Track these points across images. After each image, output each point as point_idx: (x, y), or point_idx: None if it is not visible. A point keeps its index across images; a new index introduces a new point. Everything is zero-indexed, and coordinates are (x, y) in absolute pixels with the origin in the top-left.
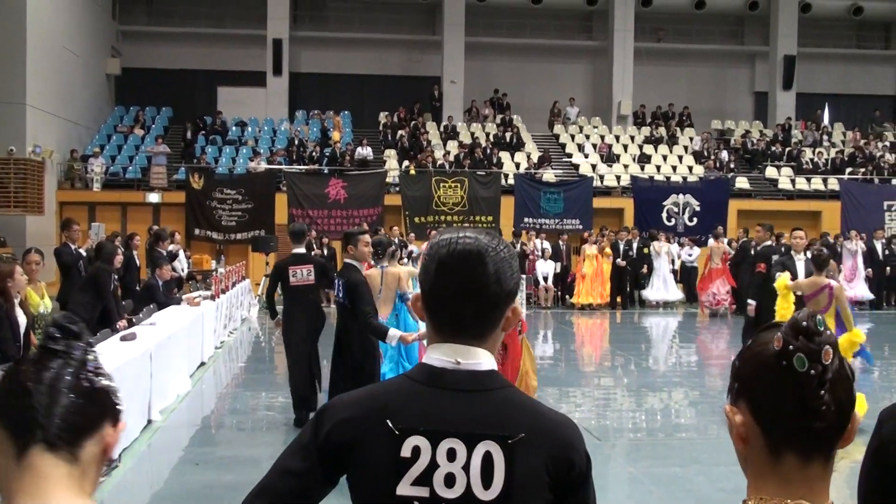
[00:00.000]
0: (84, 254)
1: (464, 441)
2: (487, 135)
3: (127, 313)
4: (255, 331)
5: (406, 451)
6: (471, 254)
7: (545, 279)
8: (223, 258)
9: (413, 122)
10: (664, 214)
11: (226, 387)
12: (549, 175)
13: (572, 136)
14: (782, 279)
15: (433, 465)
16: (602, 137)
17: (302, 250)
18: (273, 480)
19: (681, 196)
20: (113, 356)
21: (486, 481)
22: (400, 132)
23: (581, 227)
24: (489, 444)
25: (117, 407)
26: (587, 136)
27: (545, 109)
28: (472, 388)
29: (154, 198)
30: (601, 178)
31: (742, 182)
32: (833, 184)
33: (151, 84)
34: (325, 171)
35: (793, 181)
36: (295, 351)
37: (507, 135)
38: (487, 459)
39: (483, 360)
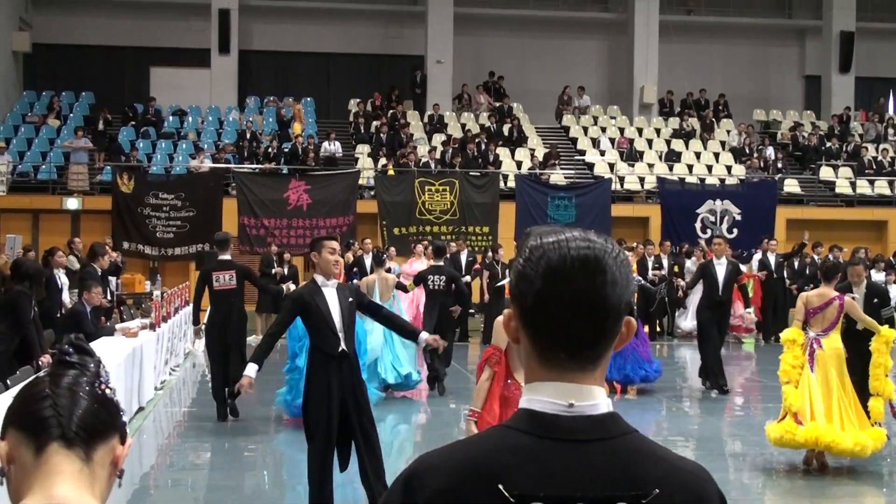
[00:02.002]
0: None
1: None
2: (482, 127)
3: (49, 345)
4: (200, 367)
5: None
6: (588, 259)
7: None
8: (159, 278)
9: (391, 111)
10: (698, 224)
11: (167, 437)
12: (557, 176)
13: (585, 129)
14: (792, 331)
15: None
16: (621, 130)
17: (227, 257)
18: None
19: (718, 202)
20: None
21: None
22: (375, 123)
23: None
24: None
25: (124, 425)
26: (603, 129)
27: (552, 96)
28: (592, 437)
29: (73, 204)
30: (621, 180)
31: (791, 185)
32: None
33: (68, 63)
34: (284, 172)
35: (853, 184)
36: (214, 351)
37: (506, 127)
38: None
39: (599, 399)
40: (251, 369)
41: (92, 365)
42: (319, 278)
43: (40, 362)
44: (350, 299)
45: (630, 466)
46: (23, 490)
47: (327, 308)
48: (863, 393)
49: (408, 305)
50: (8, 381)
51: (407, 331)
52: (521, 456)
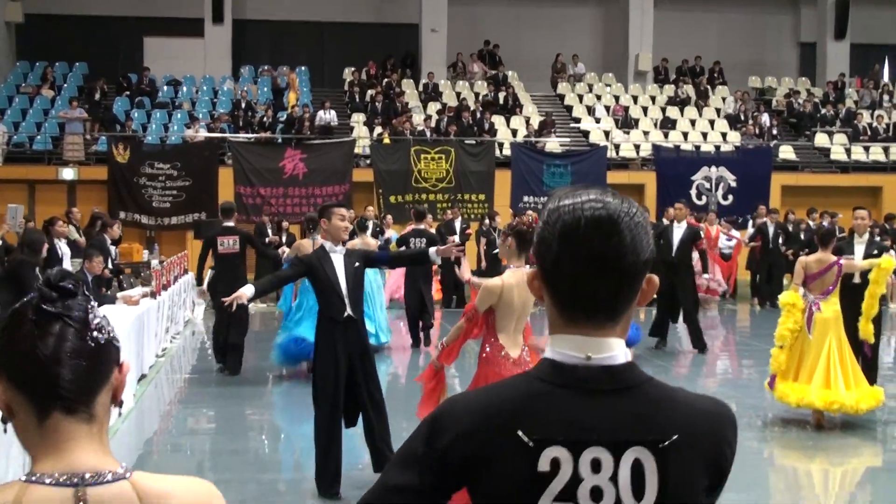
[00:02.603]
0: (0, 243)
1: (609, 449)
2: (477, 95)
3: None
4: (200, 335)
5: (544, 465)
6: (602, 220)
7: None
8: (157, 247)
9: (386, 79)
10: (693, 191)
11: (169, 404)
12: (552, 144)
13: (580, 97)
14: (790, 294)
15: (576, 479)
16: (616, 98)
17: (231, 224)
18: (381, 497)
19: (713, 169)
20: None
21: (638, 492)
22: (370, 92)
23: None
24: (638, 450)
25: (119, 351)
26: (598, 97)
27: (547, 64)
28: (610, 386)
29: (68, 174)
30: (616, 147)
31: (787, 152)
32: None
33: (62, 34)
34: (280, 141)
35: (847, 150)
36: (219, 309)
37: (501, 95)
38: (637, 468)
39: (617, 351)
40: (248, 289)
41: (77, 311)
42: (328, 244)
43: None
44: (357, 264)
45: (648, 413)
46: (32, 452)
47: (334, 273)
48: (858, 351)
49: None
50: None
51: (417, 258)
52: (541, 402)
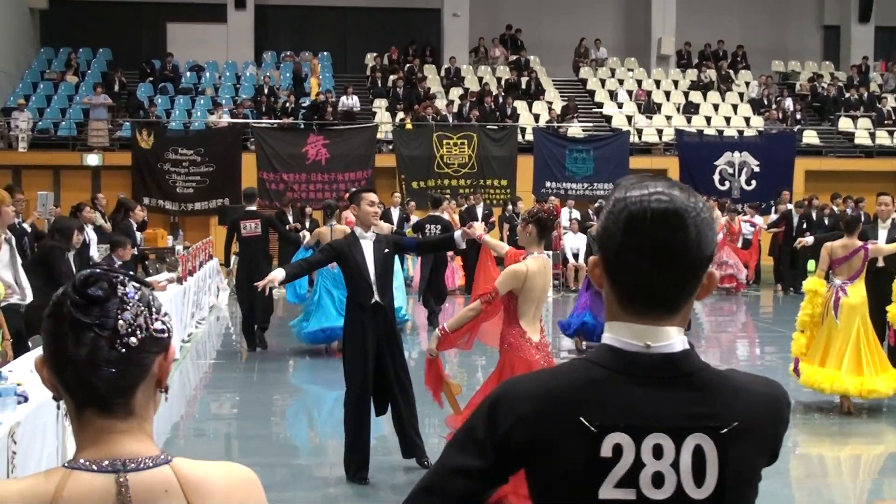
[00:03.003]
0: (29, 229)
1: (670, 436)
2: (499, 80)
3: None
4: (224, 321)
5: (606, 451)
6: (668, 214)
7: (575, 256)
8: (180, 233)
9: (408, 65)
10: (716, 176)
11: (195, 389)
12: (575, 129)
13: (602, 82)
14: (814, 281)
15: (638, 465)
16: (639, 83)
17: (253, 208)
18: (441, 479)
19: (736, 154)
20: None
21: (698, 478)
22: (392, 77)
23: None
24: (699, 436)
25: (162, 340)
26: (621, 82)
27: (569, 49)
28: (669, 374)
29: (93, 160)
30: (639, 132)
31: (810, 136)
32: None
33: (85, 20)
34: (302, 126)
35: (872, 135)
36: (243, 291)
37: (524, 80)
38: (698, 454)
39: (675, 339)
40: (279, 272)
41: (107, 319)
42: (358, 230)
43: None
44: (386, 250)
45: (708, 400)
46: (76, 437)
47: (363, 259)
48: (881, 336)
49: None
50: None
51: (443, 242)
52: (603, 389)
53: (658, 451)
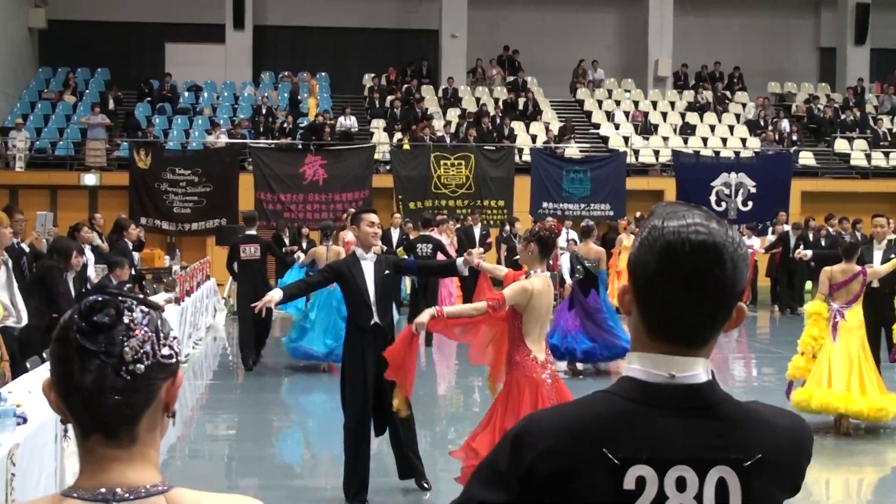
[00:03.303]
0: (27, 249)
1: (694, 468)
2: (496, 101)
3: None
4: (221, 341)
5: (629, 483)
6: (708, 248)
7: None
8: (177, 253)
9: (406, 85)
10: (713, 197)
11: (191, 409)
12: (572, 150)
13: (600, 103)
14: (817, 304)
15: (661, 497)
16: (636, 104)
17: (253, 232)
18: None
19: (733, 175)
20: None
21: None
22: (389, 98)
23: (612, 212)
24: (723, 469)
25: (170, 366)
26: (618, 103)
27: (566, 70)
28: (692, 405)
29: (90, 179)
30: (636, 153)
31: (807, 157)
32: None
33: (84, 40)
34: (300, 147)
35: (868, 156)
36: (242, 312)
37: (521, 101)
38: (722, 487)
39: (700, 370)
40: (276, 293)
41: (113, 346)
42: (359, 250)
43: None
44: (387, 272)
45: (731, 431)
46: (80, 462)
47: (363, 281)
48: (878, 354)
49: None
50: (44, 355)
51: (445, 268)
52: (625, 421)
53: (681, 484)
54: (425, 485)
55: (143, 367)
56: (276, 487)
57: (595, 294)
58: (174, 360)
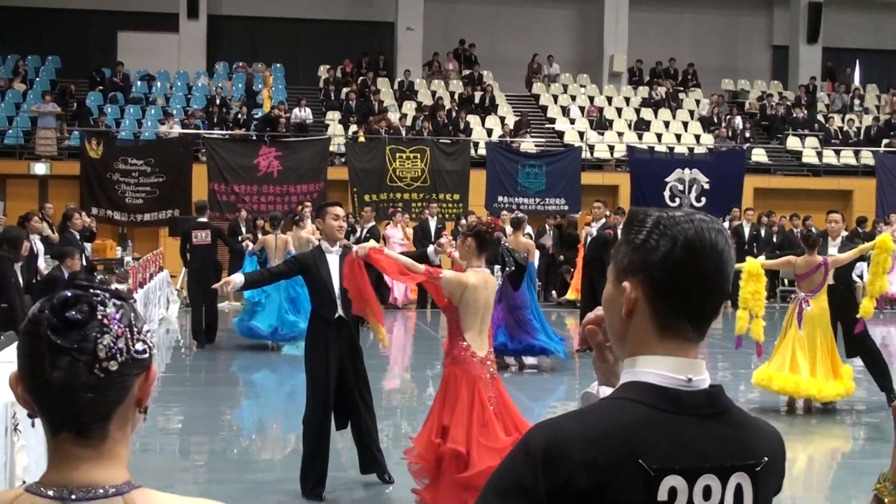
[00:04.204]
0: None
1: (718, 476)
2: (452, 94)
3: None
4: (174, 333)
5: (663, 494)
6: (721, 236)
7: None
8: (130, 244)
9: (361, 77)
10: (667, 193)
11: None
12: (527, 144)
13: (555, 98)
14: (753, 263)
15: None
16: (591, 99)
17: (204, 219)
18: None
19: (687, 171)
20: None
21: None
22: (345, 90)
23: (567, 207)
24: (740, 475)
25: (143, 360)
26: (573, 98)
27: (522, 64)
28: (710, 411)
29: (41, 169)
30: (591, 148)
31: (759, 154)
32: (867, 157)
33: (34, 27)
34: (254, 138)
35: (819, 154)
36: (193, 293)
37: (477, 95)
38: (738, 493)
39: (706, 372)
40: (238, 277)
41: (85, 343)
42: (325, 244)
43: None
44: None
45: (742, 437)
46: (48, 456)
47: (328, 273)
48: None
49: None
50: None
51: (417, 259)
52: (656, 430)
53: (707, 493)
54: (387, 478)
55: (116, 364)
56: (231, 481)
57: (524, 289)
58: (147, 354)
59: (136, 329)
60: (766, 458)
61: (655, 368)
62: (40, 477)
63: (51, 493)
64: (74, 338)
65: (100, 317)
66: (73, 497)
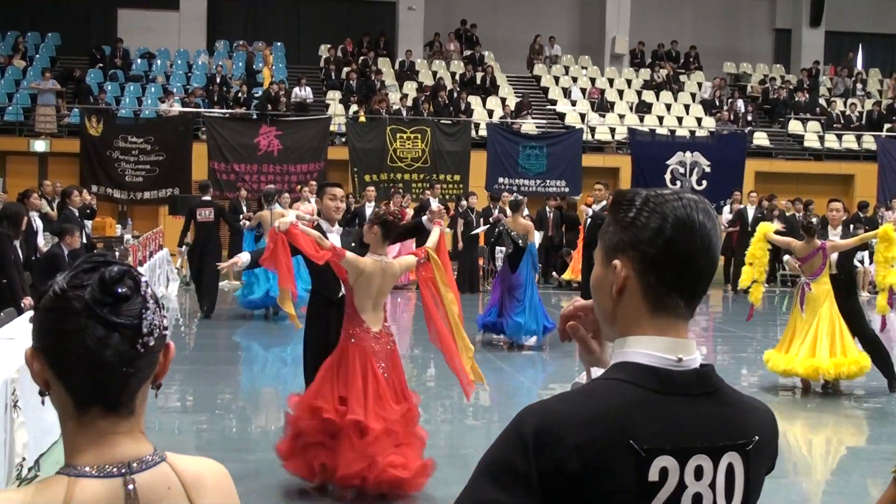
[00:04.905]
0: None
1: (709, 455)
2: (453, 75)
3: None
4: (174, 312)
5: (654, 475)
6: (709, 213)
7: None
8: (129, 222)
9: (362, 57)
10: (668, 176)
11: None
12: (528, 126)
13: (556, 79)
14: (767, 226)
15: (681, 487)
16: (592, 81)
17: (208, 198)
18: None
19: (688, 154)
20: (24, 343)
21: (729, 495)
22: (346, 70)
23: (567, 189)
24: (732, 454)
25: (165, 337)
26: (574, 79)
27: (523, 45)
28: (700, 390)
29: (40, 146)
30: (592, 130)
31: (761, 138)
32: (869, 142)
33: (34, 4)
34: (255, 117)
35: (821, 138)
36: (196, 268)
37: (478, 76)
38: (730, 472)
39: (696, 353)
40: (244, 255)
41: (130, 319)
42: (325, 224)
43: (22, 304)
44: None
45: (733, 417)
46: (70, 439)
47: None
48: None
49: None
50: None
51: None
52: (646, 411)
53: (699, 473)
54: None
55: (153, 339)
56: (233, 460)
57: (523, 268)
58: (168, 330)
59: (160, 305)
60: (756, 437)
61: (646, 349)
62: (74, 458)
63: (107, 470)
64: (123, 313)
65: (142, 292)
66: (132, 472)
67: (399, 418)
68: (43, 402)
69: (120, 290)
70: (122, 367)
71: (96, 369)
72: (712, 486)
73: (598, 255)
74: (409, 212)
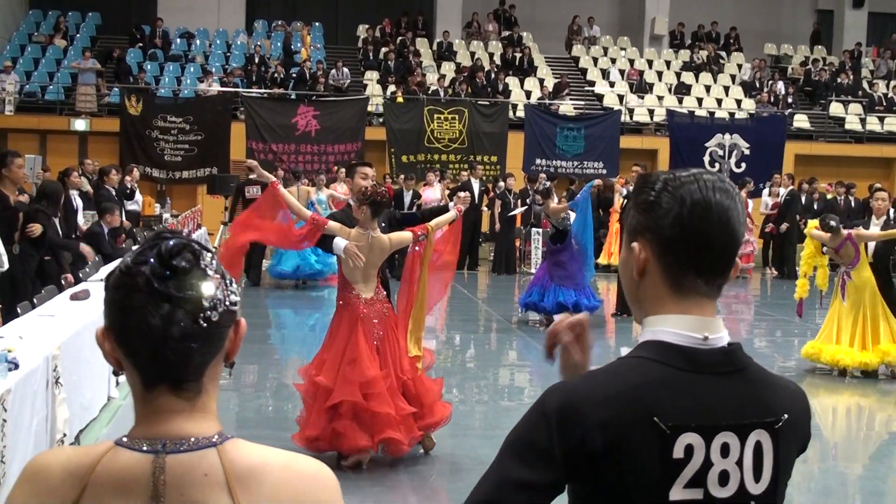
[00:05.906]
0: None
1: (736, 433)
2: (491, 56)
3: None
4: None
5: (678, 452)
6: (729, 193)
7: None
8: (168, 201)
9: (400, 38)
10: (707, 158)
11: None
12: (566, 107)
13: (595, 60)
14: (812, 223)
15: (707, 464)
16: (631, 62)
17: (254, 176)
18: (502, 494)
19: (727, 136)
20: (65, 320)
21: (757, 474)
22: (383, 50)
23: (605, 171)
24: (760, 432)
25: (235, 313)
26: (613, 61)
27: (562, 26)
28: (728, 368)
29: (81, 125)
30: (630, 112)
31: (801, 120)
32: None
33: None
34: (293, 97)
35: (863, 121)
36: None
37: (516, 56)
38: (758, 450)
39: (724, 331)
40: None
41: (190, 291)
42: (354, 203)
43: (63, 281)
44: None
45: (761, 395)
46: (136, 411)
47: None
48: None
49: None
50: (35, 300)
51: (441, 212)
52: (671, 388)
53: (725, 450)
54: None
55: (216, 314)
56: (270, 438)
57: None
58: (238, 306)
59: (227, 279)
60: (786, 416)
61: (671, 327)
62: (130, 432)
63: (145, 447)
64: (181, 286)
65: (203, 265)
66: (166, 449)
67: (370, 381)
68: (117, 383)
69: (177, 263)
70: (185, 342)
71: (159, 345)
72: (739, 463)
73: (623, 237)
74: (447, 193)
